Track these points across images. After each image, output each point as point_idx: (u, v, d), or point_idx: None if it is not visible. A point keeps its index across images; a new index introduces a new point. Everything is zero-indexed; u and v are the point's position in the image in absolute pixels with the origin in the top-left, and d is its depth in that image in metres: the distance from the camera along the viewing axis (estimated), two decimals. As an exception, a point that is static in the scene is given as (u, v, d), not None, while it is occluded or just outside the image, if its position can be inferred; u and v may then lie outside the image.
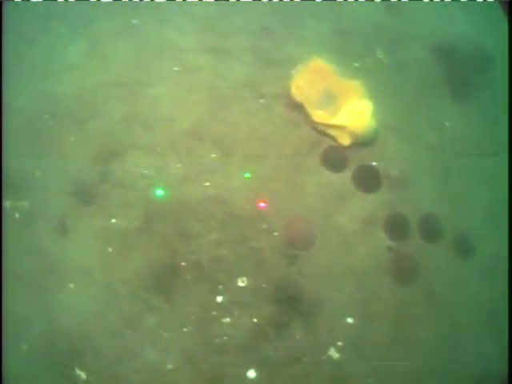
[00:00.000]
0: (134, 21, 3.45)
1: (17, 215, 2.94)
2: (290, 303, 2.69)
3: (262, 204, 2.84)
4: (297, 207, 2.83)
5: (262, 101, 3.10)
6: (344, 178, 2.92)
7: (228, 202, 2.84)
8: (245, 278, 2.73)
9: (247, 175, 2.87)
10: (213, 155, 2.93)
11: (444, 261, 2.86)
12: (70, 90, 3.17)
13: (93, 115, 3.09)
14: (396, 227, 2.87)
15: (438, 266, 2.84)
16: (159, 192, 2.88)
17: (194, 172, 2.89)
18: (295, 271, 2.73)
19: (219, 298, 2.69)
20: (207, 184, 2.86)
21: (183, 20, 3.45)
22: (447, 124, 3.21)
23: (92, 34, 3.38)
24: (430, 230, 2.88)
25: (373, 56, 3.40)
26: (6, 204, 2.94)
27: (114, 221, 2.85)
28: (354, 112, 2.87)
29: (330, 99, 2.99)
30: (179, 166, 2.92)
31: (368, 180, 2.91)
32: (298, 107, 3.04)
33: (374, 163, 2.95)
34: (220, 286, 2.70)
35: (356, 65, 3.33)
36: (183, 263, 2.73)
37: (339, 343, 2.71)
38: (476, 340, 2.78)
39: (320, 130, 2.98)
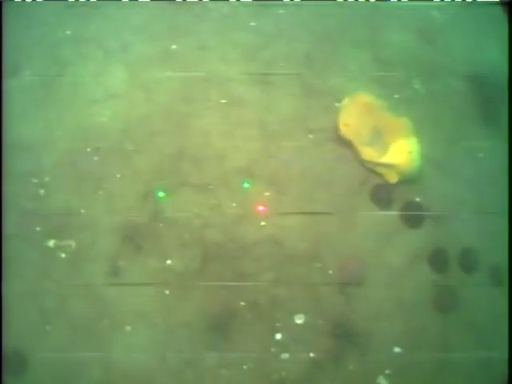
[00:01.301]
0: (173, 46, 3.34)
1: (63, 255, 2.88)
2: (344, 337, 2.84)
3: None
4: (348, 245, 2.94)
5: (310, 136, 3.12)
6: (391, 215, 3.04)
7: (283, 241, 2.90)
8: (301, 315, 2.83)
9: (300, 214, 2.94)
10: (266, 193, 2.96)
11: (481, 290, 3.10)
12: (113, 121, 3.08)
13: (140, 149, 3.02)
14: (438, 260, 3.04)
15: (476, 295, 3.07)
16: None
17: (249, 211, 2.92)
18: (348, 306, 2.83)
19: (278, 336, 2.79)
20: (263, 224, 2.91)
21: (225, 47, 3.36)
22: (481, 155, 3.39)
23: (130, 60, 3.27)
24: (468, 262, 3.08)
25: (410, 86, 3.46)
26: (50, 243, 2.88)
27: (169, 262, 2.85)
28: (402, 151, 2.95)
29: (377, 136, 3.05)
30: (234, 205, 2.94)
31: (412, 216, 3.04)
32: (346, 143, 3.10)
33: (418, 199, 3.10)
34: (278, 324, 2.81)
35: (396, 96, 3.39)
36: (242, 303, 2.81)
37: (387, 371, 2.89)
38: None
39: (368, 167, 3.07)
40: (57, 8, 3.54)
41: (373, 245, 2.97)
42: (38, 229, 2.92)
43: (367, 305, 2.91)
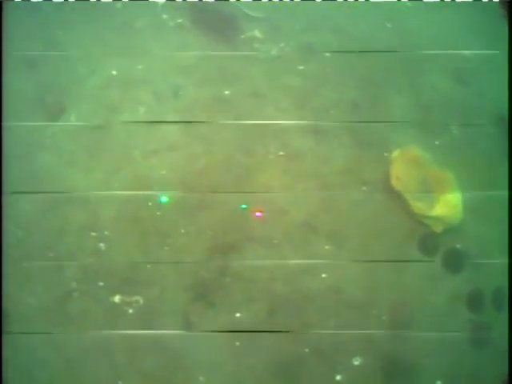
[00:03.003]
0: (226, 92, 3.31)
1: (130, 311, 2.96)
2: (394, 374, 3.12)
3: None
4: (399, 291, 3.17)
5: (364, 188, 3.27)
6: (434, 261, 3.29)
7: (343, 291, 3.09)
8: (358, 357, 3.09)
9: (356, 264, 3.12)
10: (327, 247, 3.11)
11: None
12: (172, 174, 3.09)
13: (203, 205, 3.07)
14: (474, 300, 3.35)
15: (508, 331, 3.41)
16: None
17: (311, 264, 3.07)
18: (398, 347, 3.08)
19: (338, 377, 3.05)
20: (324, 275, 3.08)
21: (276, 93, 3.38)
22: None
23: (183, 106, 3.24)
24: (501, 301, 3.40)
25: (449, 132, 3.65)
26: (115, 299, 2.93)
27: (238, 315, 2.99)
28: (449, 205, 3.17)
29: (426, 190, 3.24)
30: (296, 259, 3.07)
31: (453, 262, 3.30)
32: (397, 195, 3.27)
33: (458, 245, 3.36)
34: (338, 366, 3.05)
35: (437, 143, 3.57)
36: (306, 349, 3.01)
37: (429, 402, 3.25)
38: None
39: (417, 219, 3.28)
40: (100, 45, 3.44)
41: (419, 290, 3.24)
42: (100, 284, 2.97)
43: (414, 344, 3.20)
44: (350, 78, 3.55)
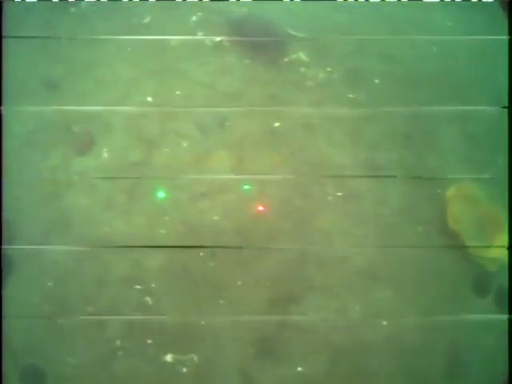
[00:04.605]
0: (276, 124, 3.03)
1: (184, 370, 2.72)
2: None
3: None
4: (455, 333, 3.12)
5: (420, 229, 3.14)
6: (487, 301, 3.25)
7: (401, 339, 2.99)
8: (415, 403, 3.04)
9: (415, 310, 3.02)
10: (387, 294, 2.97)
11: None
12: (225, 220, 2.81)
13: (260, 254, 2.82)
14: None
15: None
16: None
17: (372, 313, 2.93)
18: None
19: (395, 423, 3.00)
20: (384, 323, 2.95)
21: (328, 125, 3.14)
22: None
23: (232, 140, 2.93)
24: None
25: (495, 164, 3.57)
26: (167, 358, 2.69)
27: (299, 369, 2.82)
28: (503, 245, 3.12)
29: (482, 230, 3.16)
30: (357, 308, 2.92)
31: (503, 300, 3.28)
32: (453, 236, 3.17)
33: (505, 284, 3.33)
34: (396, 412, 2.99)
35: (487, 176, 3.48)
36: (367, 401, 2.92)
37: None
38: None
39: (472, 259, 3.20)
40: (129, 66, 3.04)
41: (473, 330, 3.21)
42: (149, 342, 2.70)
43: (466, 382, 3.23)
44: (399, 107, 3.40)
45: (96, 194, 2.83)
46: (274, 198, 2.88)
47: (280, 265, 2.83)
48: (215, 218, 2.80)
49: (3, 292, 2.73)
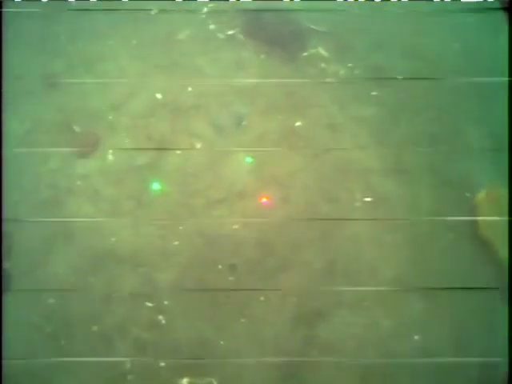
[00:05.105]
0: (297, 123, 2.80)
1: (202, 392, 2.47)
2: None
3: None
4: (484, 340, 2.93)
5: (450, 235, 2.94)
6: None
7: (433, 352, 2.78)
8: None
9: (447, 323, 2.82)
10: (418, 305, 2.76)
11: None
12: (246, 230, 2.55)
13: (283, 265, 2.57)
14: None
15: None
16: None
17: (403, 326, 2.71)
18: None
19: None
20: (416, 337, 2.74)
21: (351, 124, 2.92)
22: None
23: (250, 141, 2.69)
24: None
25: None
26: (183, 381, 2.42)
27: (328, 389, 2.59)
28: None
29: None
30: (387, 322, 2.70)
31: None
32: (484, 242, 2.98)
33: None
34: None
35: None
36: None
37: None
38: None
39: (502, 266, 3.02)
40: (137, 61, 2.77)
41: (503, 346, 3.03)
42: (162, 364, 2.43)
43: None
44: (424, 106, 3.20)
45: (100, 200, 2.56)
46: (298, 204, 2.64)
47: (306, 277, 2.59)
48: (234, 226, 2.56)
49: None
